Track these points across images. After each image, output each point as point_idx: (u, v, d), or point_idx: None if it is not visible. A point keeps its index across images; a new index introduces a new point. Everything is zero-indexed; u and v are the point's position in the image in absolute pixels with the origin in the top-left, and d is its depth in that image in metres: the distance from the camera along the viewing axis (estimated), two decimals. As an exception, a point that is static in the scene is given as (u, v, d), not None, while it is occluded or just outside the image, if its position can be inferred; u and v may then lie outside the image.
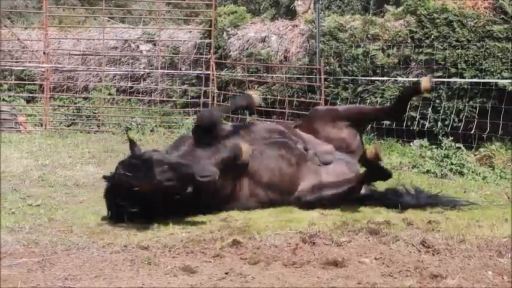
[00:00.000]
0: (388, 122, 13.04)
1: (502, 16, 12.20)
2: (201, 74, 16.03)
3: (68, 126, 15.73)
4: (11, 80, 17.60)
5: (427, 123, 12.77)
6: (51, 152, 11.99)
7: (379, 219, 7.21)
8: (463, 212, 7.83)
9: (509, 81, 11.83)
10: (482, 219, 7.37)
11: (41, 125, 15.69)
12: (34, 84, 17.81)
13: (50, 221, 7.11)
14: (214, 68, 15.53)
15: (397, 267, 5.65)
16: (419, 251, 6.19)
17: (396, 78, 13.23)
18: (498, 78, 12.01)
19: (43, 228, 6.81)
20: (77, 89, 18.12)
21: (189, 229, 6.70)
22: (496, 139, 12.06)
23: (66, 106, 16.59)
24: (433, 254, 6.07)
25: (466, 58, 12.43)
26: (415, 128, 12.80)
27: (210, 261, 5.79)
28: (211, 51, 15.70)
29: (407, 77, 13.16)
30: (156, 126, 15.35)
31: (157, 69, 16.74)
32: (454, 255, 6.03)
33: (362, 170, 8.13)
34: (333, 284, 5.20)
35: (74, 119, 16.11)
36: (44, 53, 16.46)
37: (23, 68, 17.97)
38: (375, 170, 7.75)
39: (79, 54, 18.19)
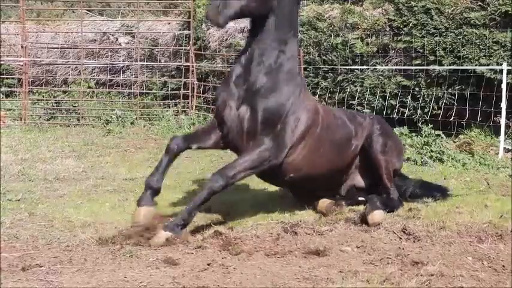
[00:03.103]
0: (367, 111, 13.08)
1: (479, 3, 12.22)
2: (181, 65, 15.98)
3: (47, 120, 15.59)
4: (-11, 74, 17.46)
5: (406, 111, 12.80)
6: (30, 146, 11.91)
7: (360, 208, 7.26)
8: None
9: (487, 67, 11.89)
10: (462, 206, 7.44)
11: (20, 119, 15.53)
12: (12, 78, 17.65)
13: (30, 215, 7.07)
14: (193, 60, 15.46)
15: (379, 254, 5.70)
16: (400, 238, 6.25)
17: (375, 67, 13.24)
18: (476, 65, 12.05)
19: (24, 223, 6.77)
20: (56, 83, 17.99)
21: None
22: (475, 126, 12.10)
23: (46, 100, 16.46)
24: (413, 241, 6.13)
25: (444, 45, 12.44)
26: (394, 116, 12.81)
27: (192, 253, 5.79)
28: (191, 42, 15.62)
29: (387, 65, 13.19)
30: (136, 118, 15.25)
31: (137, 61, 16.64)
32: (435, 241, 6.09)
33: None
34: (315, 273, 5.23)
35: (53, 113, 15.98)
36: (22, 46, 16.28)
37: (1, 62, 17.75)
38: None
39: (57, 48, 18.06)
